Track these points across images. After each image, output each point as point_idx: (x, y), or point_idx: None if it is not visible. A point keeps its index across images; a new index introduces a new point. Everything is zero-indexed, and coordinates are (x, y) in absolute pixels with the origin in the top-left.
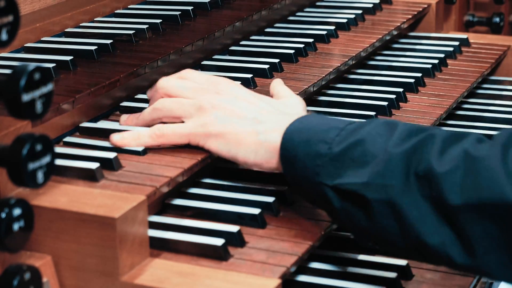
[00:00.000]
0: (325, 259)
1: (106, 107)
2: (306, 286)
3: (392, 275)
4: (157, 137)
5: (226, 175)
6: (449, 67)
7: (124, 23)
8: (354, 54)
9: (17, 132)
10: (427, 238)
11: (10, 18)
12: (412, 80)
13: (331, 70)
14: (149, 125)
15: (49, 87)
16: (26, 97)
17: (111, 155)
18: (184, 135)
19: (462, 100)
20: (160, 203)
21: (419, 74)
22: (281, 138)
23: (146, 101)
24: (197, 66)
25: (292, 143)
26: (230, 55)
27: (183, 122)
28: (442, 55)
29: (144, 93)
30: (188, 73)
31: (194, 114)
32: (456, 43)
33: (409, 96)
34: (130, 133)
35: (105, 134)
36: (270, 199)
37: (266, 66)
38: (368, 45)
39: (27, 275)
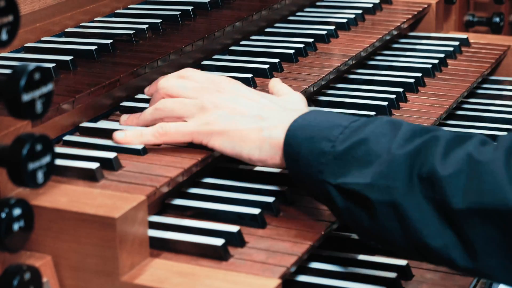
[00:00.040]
0: (325, 259)
1: (106, 107)
2: (306, 286)
3: (392, 275)
4: (160, 136)
5: (226, 175)
6: (449, 67)
7: (124, 23)
8: (354, 54)
9: (17, 132)
10: (430, 240)
11: (10, 18)
12: (412, 80)
13: (331, 70)
14: (150, 125)
15: (49, 87)
16: (26, 97)
17: (111, 155)
18: (187, 133)
19: (462, 100)
20: (160, 203)
21: (419, 74)
22: (285, 134)
23: (146, 101)
24: (197, 66)
25: (296, 140)
26: (230, 55)
27: (185, 122)
28: (442, 55)
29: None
30: (188, 72)
31: (196, 113)
32: (456, 43)
33: (409, 96)
34: (133, 131)
35: (105, 134)
36: (270, 199)
37: (266, 66)
38: (368, 45)
39: (27, 275)
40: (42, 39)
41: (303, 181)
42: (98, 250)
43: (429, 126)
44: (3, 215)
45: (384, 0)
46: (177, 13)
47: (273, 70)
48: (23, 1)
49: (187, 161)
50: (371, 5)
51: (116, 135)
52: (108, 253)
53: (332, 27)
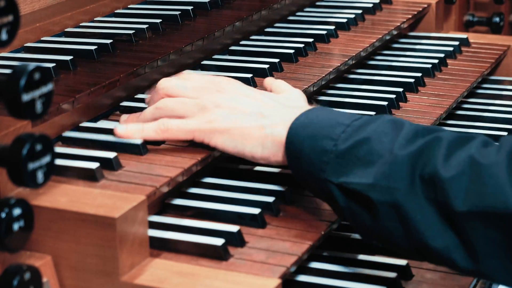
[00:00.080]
0: (325, 259)
1: (106, 107)
2: (306, 286)
3: (392, 275)
4: (162, 132)
5: (226, 175)
6: (449, 67)
7: (124, 23)
8: (354, 54)
9: (17, 132)
10: (431, 241)
11: (10, 18)
12: (412, 80)
13: (331, 70)
14: None
15: (49, 87)
16: (26, 97)
17: (111, 155)
18: (189, 131)
19: (462, 100)
20: (160, 203)
21: (419, 74)
22: (287, 132)
23: None
24: (197, 66)
25: (298, 138)
26: (230, 55)
27: None
28: (442, 55)
29: (144, 93)
30: (187, 74)
31: (197, 113)
32: (456, 43)
33: (409, 96)
34: (135, 125)
35: (105, 133)
36: (270, 199)
37: (266, 66)
38: (368, 45)
39: (27, 275)
40: (42, 39)
41: (305, 179)
42: (98, 250)
43: (431, 126)
44: (3, 215)
45: (384, 0)
46: (177, 13)
47: (273, 70)
48: (23, 1)
49: (187, 161)
50: (371, 5)
51: (117, 128)
52: (108, 253)
53: (332, 27)
